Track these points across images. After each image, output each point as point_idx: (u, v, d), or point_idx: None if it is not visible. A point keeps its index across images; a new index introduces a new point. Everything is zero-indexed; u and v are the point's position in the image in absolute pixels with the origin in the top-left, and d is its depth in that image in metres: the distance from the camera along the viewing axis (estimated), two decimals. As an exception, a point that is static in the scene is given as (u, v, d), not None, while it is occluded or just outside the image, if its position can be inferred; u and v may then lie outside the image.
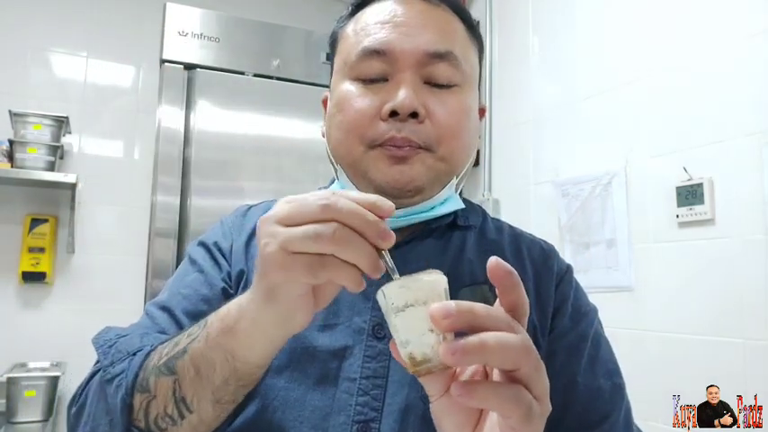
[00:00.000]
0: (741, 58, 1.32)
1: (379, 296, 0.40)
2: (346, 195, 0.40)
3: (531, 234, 0.76)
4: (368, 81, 0.64)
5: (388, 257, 0.41)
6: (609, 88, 1.68)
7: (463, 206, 0.69)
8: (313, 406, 0.57)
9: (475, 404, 0.39)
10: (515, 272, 0.39)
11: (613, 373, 0.67)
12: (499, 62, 2.17)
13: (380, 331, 0.60)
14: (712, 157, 1.36)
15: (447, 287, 0.40)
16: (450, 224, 0.70)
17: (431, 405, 0.43)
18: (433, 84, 0.64)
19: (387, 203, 0.41)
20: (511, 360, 0.36)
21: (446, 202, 0.67)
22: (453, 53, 0.64)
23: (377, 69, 0.63)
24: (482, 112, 0.75)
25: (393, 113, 0.61)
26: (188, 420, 0.50)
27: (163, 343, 0.55)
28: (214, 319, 0.49)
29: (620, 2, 1.68)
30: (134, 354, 0.56)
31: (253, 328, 0.45)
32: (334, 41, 0.71)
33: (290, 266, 0.39)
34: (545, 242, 0.75)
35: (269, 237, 0.40)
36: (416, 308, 0.38)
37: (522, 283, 0.39)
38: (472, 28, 0.70)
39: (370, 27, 0.65)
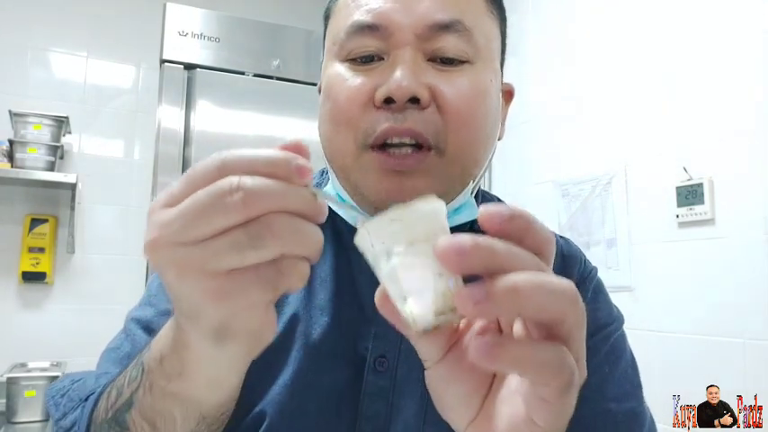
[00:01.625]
0: (741, 58, 1.32)
1: (361, 237, 0.31)
2: (251, 160, 0.29)
3: (552, 232, 0.67)
4: (360, 61, 0.53)
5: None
6: (609, 88, 1.68)
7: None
8: None
9: (502, 369, 0.31)
10: (517, 211, 0.30)
11: (630, 395, 0.58)
12: (499, 62, 2.16)
13: (383, 365, 0.53)
14: (712, 157, 1.36)
15: (446, 216, 0.31)
16: (469, 227, 0.59)
17: (426, 373, 0.35)
18: (438, 61, 0.52)
19: (301, 163, 0.29)
20: (552, 309, 0.28)
21: (460, 210, 0.56)
22: (462, 22, 0.52)
23: (370, 47, 0.52)
24: (509, 94, 0.64)
25: (388, 100, 0.50)
26: None
27: (111, 383, 0.46)
28: (151, 363, 0.39)
29: (621, 2, 1.67)
30: (86, 399, 0.48)
31: (210, 372, 0.35)
32: (326, 19, 0.60)
33: (234, 290, 0.29)
34: (565, 242, 0.65)
35: (176, 265, 0.29)
36: (416, 246, 0.29)
37: (535, 220, 0.30)
38: None
39: None
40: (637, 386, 0.60)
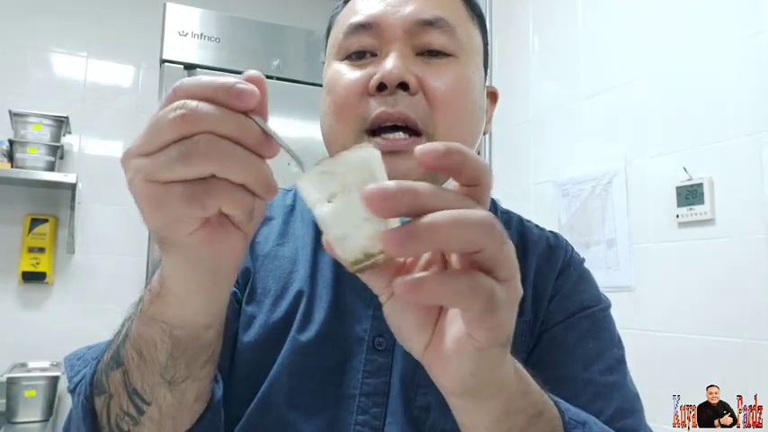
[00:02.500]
0: (741, 58, 1.32)
1: (300, 187, 0.33)
2: (197, 86, 0.33)
3: (540, 227, 0.71)
4: (356, 58, 0.60)
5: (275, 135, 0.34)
6: (609, 88, 1.68)
7: None
8: (313, 426, 0.54)
9: (424, 302, 0.34)
10: (453, 146, 0.32)
11: (614, 370, 0.61)
12: (499, 62, 2.17)
13: (381, 344, 0.57)
14: (712, 157, 1.36)
15: (382, 163, 0.33)
16: None
17: (383, 308, 0.37)
18: (425, 55, 0.59)
19: (244, 87, 0.32)
20: (470, 240, 0.30)
21: None
22: (444, 19, 0.59)
23: (364, 44, 0.59)
24: (493, 96, 0.70)
25: (381, 87, 0.56)
26: (148, 416, 0.44)
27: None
28: (144, 293, 0.43)
29: (620, 2, 1.68)
30: (97, 357, 0.51)
31: (179, 286, 0.39)
32: (328, 31, 0.67)
33: (165, 200, 0.33)
34: (553, 235, 0.69)
35: (132, 171, 0.33)
36: (346, 194, 0.32)
37: (470, 152, 0.33)
38: (470, 2, 0.65)
39: (357, 5, 0.61)
40: (621, 363, 0.63)
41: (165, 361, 0.42)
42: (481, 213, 0.31)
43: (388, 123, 0.56)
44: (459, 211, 0.30)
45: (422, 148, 0.32)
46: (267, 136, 0.34)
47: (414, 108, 0.56)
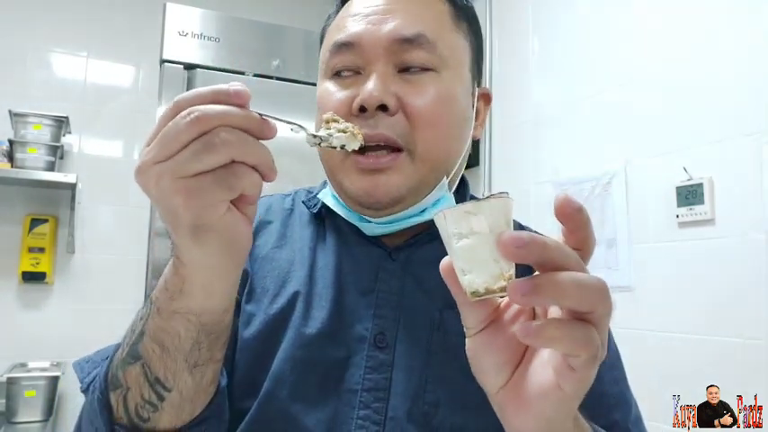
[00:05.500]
0: (741, 58, 1.32)
1: (439, 219, 0.37)
2: (197, 96, 0.38)
3: (538, 234, 0.71)
4: (341, 76, 0.62)
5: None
6: (609, 88, 1.68)
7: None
8: (315, 419, 0.56)
9: (541, 345, 0.37)
10: (584, 209, 0.36)
11: (619, 381, 0.64)
12: (499, 62, 2.17)
13: (383, 341, 0.59)
14: (712, 157, 1.36)
15: (512, 212, 0.37)
16: None
17: (466, 341, 0.41)
18: (406, 71, 0.60)
19: (238, 88, 0.38)
20: (587, 302, 0.34)
21: (439, 203, 0.63)
22: (424, 35, 0.60)
23: (348, 63, 0.61)
24: (486, 97, 0.70)
25: (363, 109, 0.58)
26: (168, 402, 0.48)
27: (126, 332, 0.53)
28: (157, 293, 0.47)
29: (620, 2, 1.68)
30: (107, 358, 0.54)
31: (203, 277, 0.43)
32: (321, 40, 0.69)
33: (198, 189, 0.37)
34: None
35: (156, 177, 0.37)
36: (481, 235, 0.36)
37: (590, 222, 0.37)
38: (458, 7, 0.66)
39: (343, 20, 0.63)
40: (623, 374, 0.66)
41: (189, 347, 0.46)
42: (598, 279, 0.35)
43: (371, 144, 0.57)
44: (580, 275, 0.34)
45: (564, 198, 0.36)
46: (265, 121, 0.39)
47: (393, 128, 0.58)
